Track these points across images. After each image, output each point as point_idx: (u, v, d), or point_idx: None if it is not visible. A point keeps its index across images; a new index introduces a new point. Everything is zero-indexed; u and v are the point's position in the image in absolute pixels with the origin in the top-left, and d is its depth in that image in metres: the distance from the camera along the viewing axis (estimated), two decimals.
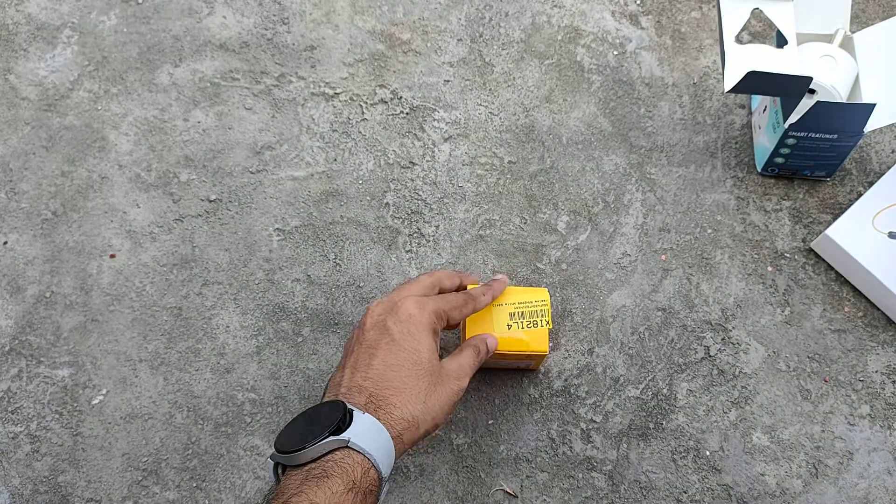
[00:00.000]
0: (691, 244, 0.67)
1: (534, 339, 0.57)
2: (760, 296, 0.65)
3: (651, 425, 0.61)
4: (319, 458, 0.45)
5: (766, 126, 0.66)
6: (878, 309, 0.64)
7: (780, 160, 0.66)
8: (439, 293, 0.56)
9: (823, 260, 0.66)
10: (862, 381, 0.62)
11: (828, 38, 0.64)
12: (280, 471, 0.47)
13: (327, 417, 0.46)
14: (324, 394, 0.51)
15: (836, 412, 0.61)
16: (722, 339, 0.64)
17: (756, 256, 0.66)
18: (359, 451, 0.45)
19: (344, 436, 0.45)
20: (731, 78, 0.58)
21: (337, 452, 0.45)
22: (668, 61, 0.74)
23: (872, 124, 0.60)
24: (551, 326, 0.57)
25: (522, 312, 0.57)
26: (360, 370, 0.49)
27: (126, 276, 0.65)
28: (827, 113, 0.59)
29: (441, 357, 0.53)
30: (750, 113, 0.71)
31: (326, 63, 0.73)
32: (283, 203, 0.68)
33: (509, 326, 0.57)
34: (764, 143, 0.67)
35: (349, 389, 0.49)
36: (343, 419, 0.46)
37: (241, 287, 0.65)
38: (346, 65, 0.73)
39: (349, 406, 0.47)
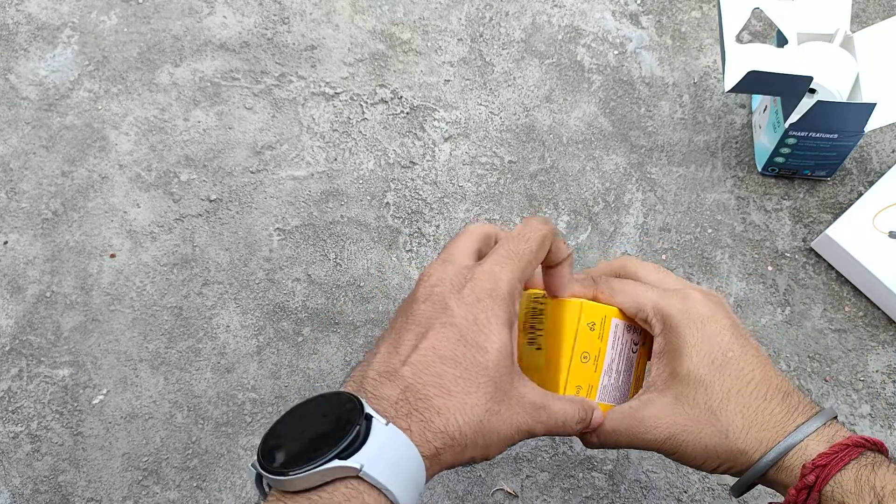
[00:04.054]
0: (692, 244, 0.67)
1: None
2: (761, 295, 0.65)
3: None
4: (320, 486, 0.32)
5: (767, 126, 0.66)
6: (879, 309, 0.64)
7: (780, 160, 0.66)
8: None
9: (824, 259, 0.66)
10: (862, 380, 0.62)
11: (828, 38, 0.64)
12: (266, 484, 0.34)
13: (336, 426, 0.33)
14: (349, 373, 0.39)
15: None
16: None
17: (756, 256, 0.66)
18: (374, 486, 0.32)
19: (354, 461, 0.32)
20: (732, 77, 0.58)
21: (342, 486, 0.32)
22: (668, 61, 0.74)
23: (872, 124, 0.60)
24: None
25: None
26: (401, 350, 0.36)
27: (126, 276, 0.65)
28: (827, 113, 0.59)
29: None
30: (750, 112, 0.71)
31: (327, 63, 0.73)
32: (283, 203, 0.68)
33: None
34: (764, 142, 0.67)
35: (379, 376, 0.36)
36: (358, 429, 0.33)
37: (242, 287, 0.65)
38: (347, 64, 0.73)
39: (368, 409, 0.34)
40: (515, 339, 0.38)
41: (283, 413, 0.36)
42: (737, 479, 0.42)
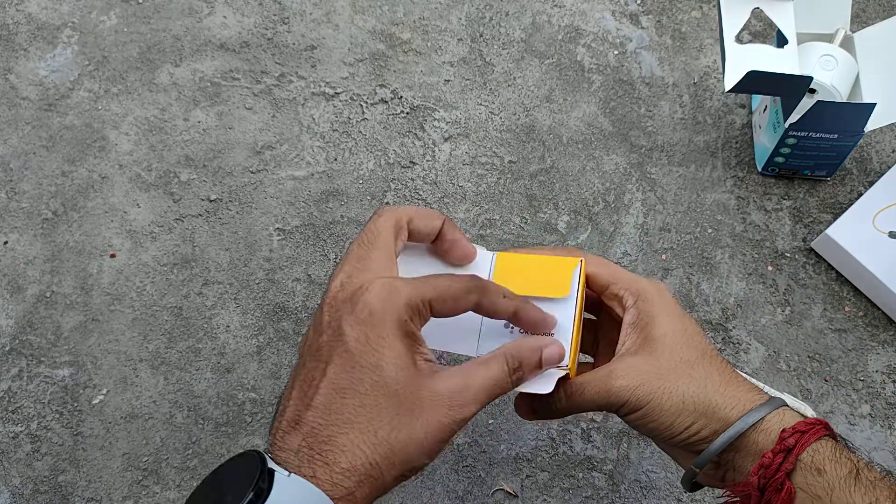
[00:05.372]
0: (691, 244, 0.67)
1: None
2: (761, 295, 0.65)
3: None
4: None
5: (767, 126, 0.66)
6: (879, 308, 0.64)
7: (780, 160, 0.66)
8: (411, 233, 0.41)
9: (824, 259, 0.66)
10: (862, 380, 0.62)
11: (828, 38, 0.64)
12: None
13: (238, 489, 0.32)
14: (274, 415, 0.38)
15: (837, 412, 0.61)
16: (722, 339, 0.64)
17: (756, 256, 0.66)
18: None
19: None
20: (732, 77, 0.58)
21: None
22: (668, 61, 0.74)
23: (872, 124, 0.60)
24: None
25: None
26: (308, 391, 0.36)
27: (126, 276, 0.65)
28: (827, 112, 0.59)
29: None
30: (750, 112, 0.71)
31: (327, 63, 0.73)
32: (283, 203, 0.68)
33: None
34: (764, 142, 0.67)
35: (288, 425, 0.35)
36: (257, 488, 0.32)
37: (242, 287, 0.65)
38: (347, 64, 0.73)
39: (270, 465, 0.33)
40: (415, 344, 0.37)
41: (195, 486, 0.34)
42: (687, 471, 0.42)
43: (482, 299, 0.39)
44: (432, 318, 0.38)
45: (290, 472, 0.33)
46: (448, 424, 0.36)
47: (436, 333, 0.40)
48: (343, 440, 0.34)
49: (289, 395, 0.37)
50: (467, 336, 0.44)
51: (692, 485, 0.43)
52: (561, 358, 0.40)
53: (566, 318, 0.43)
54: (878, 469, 0.38)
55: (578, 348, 0.44)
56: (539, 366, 0.40)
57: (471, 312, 0.40)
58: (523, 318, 0.41)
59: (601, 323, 0.49)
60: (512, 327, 0.43)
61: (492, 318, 0.41)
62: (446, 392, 0.36)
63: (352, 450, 0.34)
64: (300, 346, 0.39)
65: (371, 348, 0.35)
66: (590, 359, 0.50)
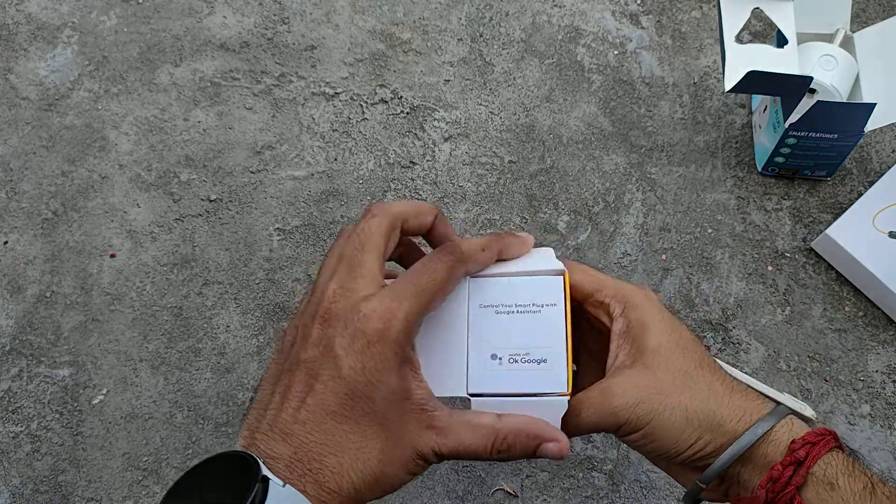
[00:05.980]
0: (691, 244, 0.67)
1: None
2: (761, 295, 0.65)
3: None
4: None
5: (767, 126, 0.66)
6: (879, 308, 0.64)
7: (780, 160, 0.66)
8: (403, 232, 0.42)
9: (824, 259, 0.66)
10: (862, 380, 0.62)
11: (828, 38, 0.64)
12: None
13: (232, 493, 0.31)
14: (248, 409, 0.38)
15: (837, 412, 0.61)
16: (722, 339, 0.64)
17: (756, 256, 0.66)
18: None
19: None
20: (732, 77, 0.58)
21: None
22: (668, 61, 0.74)
23: (872, 124, 0.60)
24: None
25: None
26: (291, 402, 0.35)
27: (126, 276, 0.65)
28: (827, 112, 0.59)
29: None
30: (750, 112, 0.71)
31: (327, 63, 0.73)
32: (283, 203, 0.68)
33: None
34: (764, 142, 0.67)
35: (271, 430, 0.34)
36: (254, 497, 0.31)
37: (242, 287, 0.65)
38: (347, 64, 0.73)
39: (265, 471, 0.32)
40: (410, 370, 0.36)
41: (176, 480, 0.33)
42: (691, 487, 0.40)
43: (468, 271, 0.40)
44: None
45: (285, 484, 0.32)
46: (421, 464, 0.36)
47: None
48: (332, 462, 0.34)
49: (269, 393, 0.36)
50: (454, 374, 0.41)
51: (695, 502, 0.41)
52: (561, 457, 0.37)
53: (557, 339, 0.40)
54: (892, 484, 0.36)
55: (572, 368, 0.41)
56: (533, 455, 0.38)
57: (456, 347, 0.40)
58: (505, 253, 0.41)
59: (582, 332, 0.46)
60: (500, 358, 0.40)
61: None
62: (429, 436, 0.36)
63: (340, 473, 0.34)
64: (282, 339, 0.38)
65: (367, 379, 0.34)
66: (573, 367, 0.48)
